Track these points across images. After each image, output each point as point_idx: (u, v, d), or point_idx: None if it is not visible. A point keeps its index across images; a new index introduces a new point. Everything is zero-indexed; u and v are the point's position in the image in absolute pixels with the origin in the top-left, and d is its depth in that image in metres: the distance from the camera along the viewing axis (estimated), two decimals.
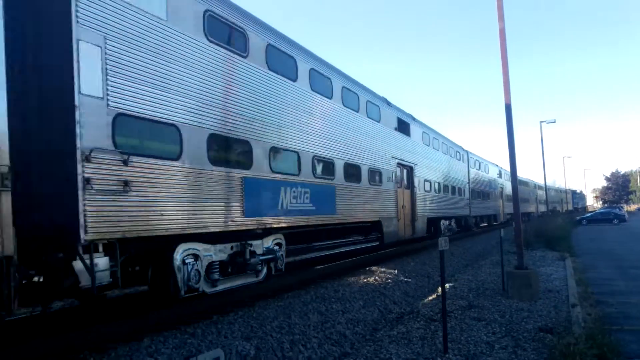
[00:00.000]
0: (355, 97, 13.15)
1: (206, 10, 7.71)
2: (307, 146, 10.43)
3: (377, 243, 14.13)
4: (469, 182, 26.27)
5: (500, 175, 35.57)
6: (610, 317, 7.74)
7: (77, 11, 5.69)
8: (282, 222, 9.33)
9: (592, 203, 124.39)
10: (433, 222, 19.49)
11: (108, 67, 6.01)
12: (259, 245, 8.78)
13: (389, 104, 15.78)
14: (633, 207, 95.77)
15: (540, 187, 55.82)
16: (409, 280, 11.81)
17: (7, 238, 4.67)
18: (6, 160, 4.81)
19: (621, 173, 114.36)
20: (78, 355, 5.55)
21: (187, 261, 7.16)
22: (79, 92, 5.60)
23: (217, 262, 7.78)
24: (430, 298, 10.13)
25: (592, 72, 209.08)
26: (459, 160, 25.09)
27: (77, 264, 5.58)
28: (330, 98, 11.72)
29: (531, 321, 7.73)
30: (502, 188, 35.38)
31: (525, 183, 50.14)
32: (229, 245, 8.09)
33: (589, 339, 6.02)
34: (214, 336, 6.40)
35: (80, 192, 5.53)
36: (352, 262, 13.65)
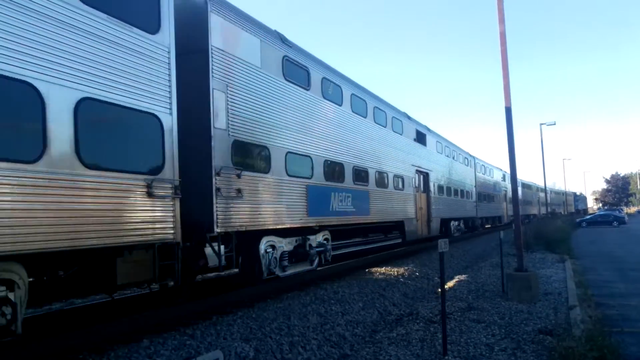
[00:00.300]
0: (383, 114, 15.05)
1: (284, 56, 9.88)
2: (349, 158, 12.43)
3: (400, 240, 16.20)
4: (475, 186, 28.06)
5: (504, 179, 36.56)
6: (610, 319, 7.73)
7: (212, 68, 7.79)
8: (332, 221, 11.37)
9: (592, 205, 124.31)
10: (444, 223, 21.11)
11: (229, 106, 8.13)
12: (314, 240, 10.88)
13: (409, 118, 17.87)
14: (633, 209, 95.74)
15: (542, 190, 55.96)
16: (409, 281, 11.80)
17: (177, 230, 6.64)
18: (177, 175, 6.68)
19: (621, 175, 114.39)
20: (77, 355, 5.54)
21: (267, 250, 9.18)
22: (213, 127, 7.73)
23: (287, 252, 9.79)
24: (429, 300, 10.12)
25: (593, 74, 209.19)
26: (467, 165, 26.97)
27: (207, 250, 7.83)
28: (365, 117, 13.68)
29: (531, 323, 7.73)
30: (505, 191, 36.39)
31: (528, 186, 50.43)
32: (294, 239, 10.20)
33: (588, 341, 6.01)
34: (213, 337, 6.39)
35: (214, 198, 7.59)
36: (352, 263, 13.69)
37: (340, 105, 12.15)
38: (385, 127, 15.01)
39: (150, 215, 6.28)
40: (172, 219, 6.56)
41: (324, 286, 10.15)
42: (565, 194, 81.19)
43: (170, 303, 7.90)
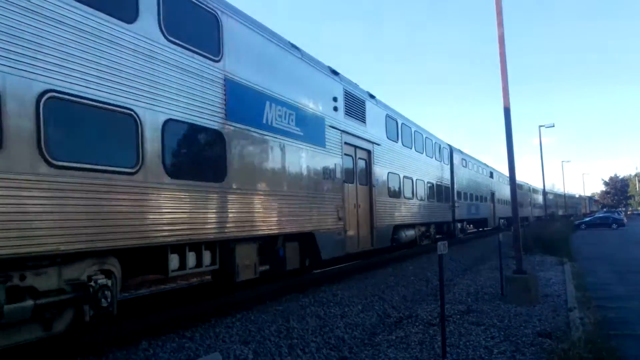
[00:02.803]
0: (431, 143, 20.12)
1: (402, 124, 17.03)
2: (417, 175, 17.90)
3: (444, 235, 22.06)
4: (492, 193, 33.00)
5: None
6: (609, 322, 7.73)
7: (450, 153, 21.75)
8: (416, 221, 17.66)
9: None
10: (461, 222, 25.47)
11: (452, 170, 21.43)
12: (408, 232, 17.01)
13: (451, 148, 23.46)
14: (631, 210, 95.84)
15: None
16: (408, 284, 11.79)
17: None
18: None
19: (620, 178, 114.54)
20: (75, 357, 5.53)
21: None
22: (452, 187, 20.51)
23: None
24: (428, 302, 10.11)
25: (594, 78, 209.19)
26: (484, 175, 31.60)
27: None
28: (421, 153, 18.91)
29: (530, 326, 7.72)
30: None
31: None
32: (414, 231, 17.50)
33: (588, 344, 6.01)
34: (212, 340, 6.38)
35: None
36: (351, 266, 13.67)
37: (395, 142, 15.88)
38: (431, 158, 20.47)
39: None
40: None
41: (323, 288, 10.14)
42: (566, 195, 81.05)
43: (170, 305, 7.89)
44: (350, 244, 11.64)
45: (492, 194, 33.21)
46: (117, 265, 6.15)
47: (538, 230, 25.54)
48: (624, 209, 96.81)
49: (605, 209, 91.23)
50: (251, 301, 8.53)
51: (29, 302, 5.06)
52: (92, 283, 5.70)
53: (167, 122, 6.59)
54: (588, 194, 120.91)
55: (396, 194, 15.32)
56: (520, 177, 76.01)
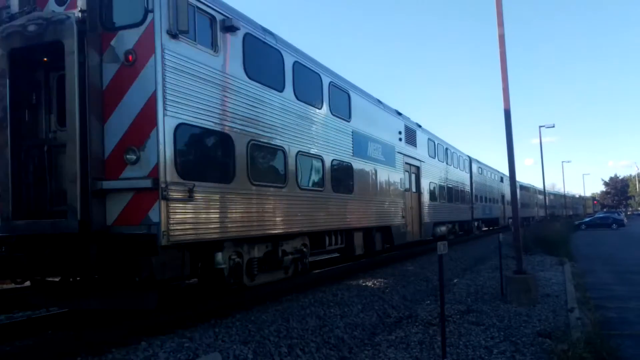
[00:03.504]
0: (456, 156, 24.46)
1: (446, 148, 22.44)
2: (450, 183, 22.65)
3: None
4: (503, 195, 36.05)
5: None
6: (609, 322, 7.73)
7: (470, 163, 27.02)
8: (447, 219, 21.58)
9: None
10: (477, 221, 29.50)
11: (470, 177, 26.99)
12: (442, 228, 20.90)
13: (470, 158, 27.70)
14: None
15: (540, 192, 55.90)
16: (408, 284, 11.79)
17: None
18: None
19: (620, 178, 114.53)
20: (75, 357, 5.52)
21: None
22: (471, 191, 26.72)
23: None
24: (428, 302, 10.11)
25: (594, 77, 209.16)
26: (496, 180, 35.20)
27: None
28: (450, 165, 22.94)
29: (530, 326, 7.72)
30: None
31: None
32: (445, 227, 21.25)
33: (587, 344, 6.01)
34: (212, 340, 6.37)
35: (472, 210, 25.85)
36: (350, 266, 13.66)
37: (432, 158, 20.12)
38: (458, 168, 24.76)
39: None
40: None
41: (323, 289, 10.13)
42: (571, 196, 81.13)
43: (168, 305, 7.88)
44: (409, 236, 16.27)
45: (503, 197, 36.45)
46: (308, 241, 10.25)
47: (538, 231, 25.55)
48: (624, 209, 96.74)
49: (605, 209, 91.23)
50: (251, 301, 8.53)
51: (289, 257, 9.53)
52: (304, 249, 10.06)
53: (333, 161, 11.01)
54: (588, 194, 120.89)
55: (435, 198, 19.80)
56: (520, 178, 76.34)
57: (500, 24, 10.59)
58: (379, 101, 14.78)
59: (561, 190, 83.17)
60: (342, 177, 11.53)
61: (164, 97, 6.23)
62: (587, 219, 52.37)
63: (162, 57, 6.21)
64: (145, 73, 6.20)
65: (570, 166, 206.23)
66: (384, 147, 14.40)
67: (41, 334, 6.85)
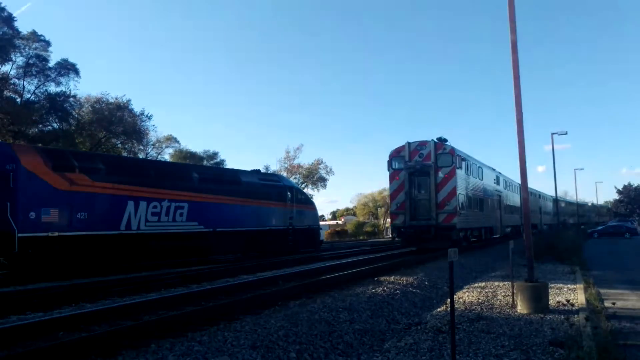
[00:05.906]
0: (499, 178, 32.59)
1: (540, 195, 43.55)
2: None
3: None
4: (500, 198, 39.94)
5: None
6: (622, 332, 7.61)
7: (500, 177, 34.06)
8: (496, 224, 31.72)
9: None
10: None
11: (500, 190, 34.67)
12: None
13: (500, 174, 34.03)
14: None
15: (545, 198, 55.20)
16: (417, 290, 11.72)
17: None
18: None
19: (634, 186, 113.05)
20: (86, 359, 5.57)
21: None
22: (500, 201, 33.44)
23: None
24: (438, 309, 10.04)
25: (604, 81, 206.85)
26: (518, 190, 39.27)
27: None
28: (498, 185, 32.13)
29: (541, 335, 7.62)
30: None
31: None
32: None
33: (600, 354, 5.92)
34: (221, 344, 6.39)
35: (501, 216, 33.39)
36: (360, 272, 13.65)
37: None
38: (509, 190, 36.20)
39: None
40: None
41: (332, 294, 10.12)
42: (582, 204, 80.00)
43: (178, 308, 7.93)
44: (499, 232, 31.22)
45: (499, 197, 37.74)
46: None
47: (550, 239, 25.30)
48: (637, 218, 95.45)
49: (617, 218, 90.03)
50: (260, 306, 8.55)
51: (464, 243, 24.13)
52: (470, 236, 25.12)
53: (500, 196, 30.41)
54: (601, 202, 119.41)
55: (499, 209, 31.55)
56: (533, 185, 75.53)
57: (513, 30, 10.52)
58: (492, 168, 29.98)
59: (573, 198, 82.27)
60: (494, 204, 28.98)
61: (456, 187, 21.43)
62: (600, 227, 51.75)
63: (456, 176, 21.56)
64: (452, 180, 21.45)
65: (583, 174, 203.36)
66: (492, 187, 29.32)
67: (52, 335, 6.92)
